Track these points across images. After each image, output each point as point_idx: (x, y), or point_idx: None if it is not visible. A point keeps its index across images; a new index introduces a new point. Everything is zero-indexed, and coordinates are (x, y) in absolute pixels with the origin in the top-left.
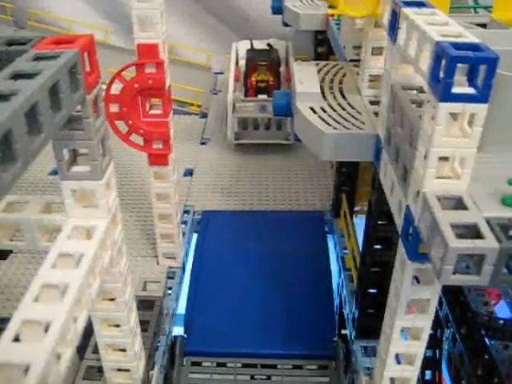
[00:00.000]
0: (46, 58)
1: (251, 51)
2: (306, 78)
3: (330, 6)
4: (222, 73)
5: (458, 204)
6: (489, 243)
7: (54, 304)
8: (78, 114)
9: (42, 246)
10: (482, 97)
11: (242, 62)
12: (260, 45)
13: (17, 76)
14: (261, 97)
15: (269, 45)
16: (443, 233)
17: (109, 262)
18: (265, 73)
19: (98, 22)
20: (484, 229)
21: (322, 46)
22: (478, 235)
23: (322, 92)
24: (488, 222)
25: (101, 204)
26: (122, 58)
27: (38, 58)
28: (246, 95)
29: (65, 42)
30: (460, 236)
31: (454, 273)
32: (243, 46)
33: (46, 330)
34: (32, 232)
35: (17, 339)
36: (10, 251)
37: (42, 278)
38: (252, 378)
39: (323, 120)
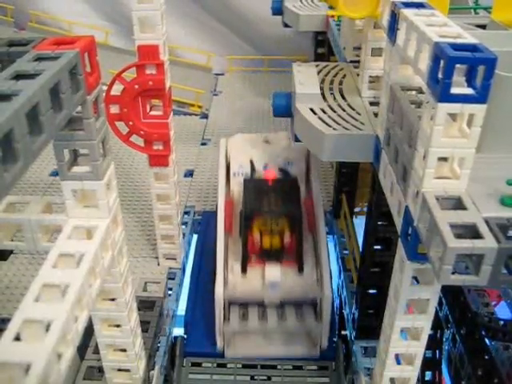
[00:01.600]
0: (47, 59)
1: (251, 183)
2: (305, 79)
3: (330, 7)
4: (222, 74)
5: (457, 204)
6: (488, 243)
7: (54, 303)
8: (78, 115)
9: (42, 246)
10: (480, 97)
11: (238, 184)
12: (260, 154)
13: (18, 76)
14: (270, 271)
15: (282, 170)
16: (442, 233)
17: (109, 262)
18: (276, 222)
19: (97, 23)
20: (483, 229)
21: (321, 47)
22: (476, 235)
23: (322, 93)
24: (487, 222)
25: (101, 204)
26: (122, 59)
27: (39, 59)
28: (244, 264)
29: (65, 42)
30: (459, 236)
31: (453, 273)
32: (237, 148)
33: (47, 330)
34: (33, 232)
35: (18, 338)
36: (11, 252)
37: (42, 277)
38: (252, 378)
39: (323, 121)
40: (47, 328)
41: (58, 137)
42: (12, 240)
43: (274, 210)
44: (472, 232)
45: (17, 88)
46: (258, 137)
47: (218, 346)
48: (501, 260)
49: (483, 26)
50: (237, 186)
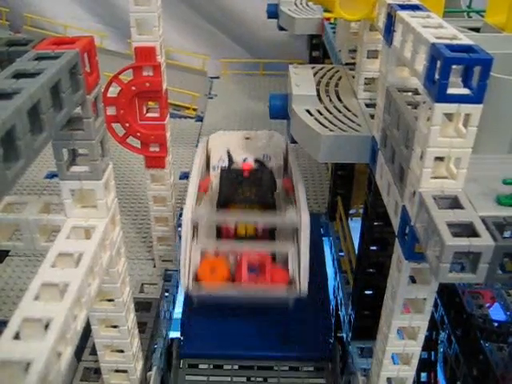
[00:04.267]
0: (47, 58)
1: (228, 173)
2: (302, 81)
3: (326, 10)
4: (217, 77)
5: (454, 203)
6: (484, 241)
7: (54, 302)
8: (77, 115)
9: (41, 246)
10: (476, 97)
11: (216, 177)
12: (240, 149)
13: (19, 75)
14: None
15: (258, 161)
16: (440, 231)
17: (108, 261)
18: (251, 209)
19: (92, 26)
20: (479, 227)
21: (316, 50)
22: (473, 234)
23: (318, 95)
24: (484, 220)
25: (100, 204)
26: (117, 62)
27: (39, 58)
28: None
29: (65, 42)
30: (456, 235)
31: (450, 271)
32: (218, 143)
33: (47, 328)
34: (31, 232)
35: (17, 337)
36: (7, 254)
37: (41, 276)
38: (248, 379)
39: (319, 122)
40: (46, 327)
41: (58, 136)
42: (10, 240)
43: (249, 198)
44: (469, 231)
45: (18, 86)
46: (240, 134)
47: (183, 284)
48: (497, 258)
49: (477, 29)
50: (215, 179)
